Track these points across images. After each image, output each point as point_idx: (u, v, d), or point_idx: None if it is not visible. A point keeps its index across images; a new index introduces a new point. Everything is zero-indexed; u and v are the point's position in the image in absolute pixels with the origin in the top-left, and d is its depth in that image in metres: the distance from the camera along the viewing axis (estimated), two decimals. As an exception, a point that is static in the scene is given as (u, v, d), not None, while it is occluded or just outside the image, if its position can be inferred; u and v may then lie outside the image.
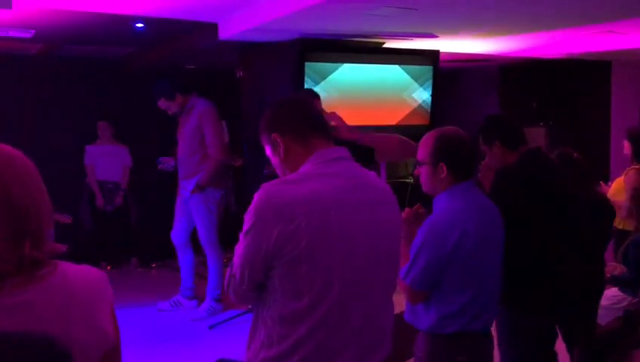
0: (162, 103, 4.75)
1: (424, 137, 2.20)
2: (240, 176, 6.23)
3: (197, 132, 4.68)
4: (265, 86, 5.00)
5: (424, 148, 2.17)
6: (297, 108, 1.78)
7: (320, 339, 1.57)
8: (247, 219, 1.61)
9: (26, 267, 1.11)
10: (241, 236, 1.65)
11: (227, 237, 6.17)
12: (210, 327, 4.58)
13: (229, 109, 6.67)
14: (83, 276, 1.19)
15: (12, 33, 4.85)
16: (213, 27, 4.62)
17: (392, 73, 5.03)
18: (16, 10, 3.83)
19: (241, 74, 5.51)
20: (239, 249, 1.64)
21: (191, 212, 4.83)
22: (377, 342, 1.69)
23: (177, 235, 4.96)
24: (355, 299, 1.61)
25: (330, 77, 4.73)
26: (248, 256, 1.60)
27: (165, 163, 5.05)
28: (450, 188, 2.12)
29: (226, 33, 4.55)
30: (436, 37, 4.87)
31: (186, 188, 4.79)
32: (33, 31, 4.82)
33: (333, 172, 1.66)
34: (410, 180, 6.29)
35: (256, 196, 1.62)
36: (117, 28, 4.85)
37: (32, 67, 6.59)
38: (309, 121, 1.74)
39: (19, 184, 1.14)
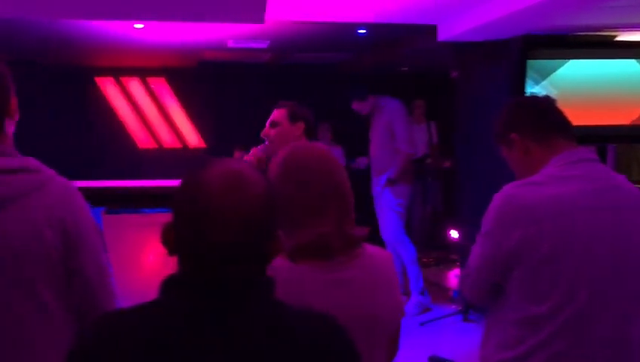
0: (355, 105, 5.08)
1: None
2: (450, 176, 6.22)
3: (387, 129, 4.93)
4: (481, 86, 4.92)
5: None
6: (538, 108, 1.74)
7: (560, 347, 1.52)
8: (487, 220, 1.63)
9: (348, 246, 1.27)
10: (479, 236, 1.67)
11: (426, 236, 6.25)
12: (422, 324, 4.66)
13: (440, 111, 6.70)
14: (381, 255, 1.34)
15: (250, 44, 5.45)
16: (432, 29, 4.68)
17: (627, 68, 4.60)
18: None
19: (456, 74, 5.49)
20: (476, 249, 1.67)
21: (382, 206, 5.01)
22: (624, 357, 1.59)
23: (382, 232, 5.15)
24: (600, 309, 1.53)
25: (555, 74, 4.49)
26: (486, 256, 1.61)
27: (359, 162, 5.34)
28: None
29: (445, 34, 4.58)
30: (681, 26, 4.35)
31: (378, 184, 5.01)
32: (268, 41, 5.35)
33: (578, 174, 1.60)
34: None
35: (497, 197, 1.62)
36: (341, 35, 5.16)
37: (262, 74, 7.31)
38: (551, 121, 1.69)
39: (340, 172, 1.33)
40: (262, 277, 1.01)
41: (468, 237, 4.21)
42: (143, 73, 7.13)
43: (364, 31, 4.97)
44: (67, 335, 1.46)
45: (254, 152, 2.70)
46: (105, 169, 6.83)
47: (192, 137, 7.38)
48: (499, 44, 4.61)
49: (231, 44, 5.40)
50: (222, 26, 4.68)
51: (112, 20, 3.92)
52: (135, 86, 7.19)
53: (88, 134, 6.89)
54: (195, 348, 0.94)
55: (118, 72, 7.08)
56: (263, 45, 5.49)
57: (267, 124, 2.75)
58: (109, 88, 7.14)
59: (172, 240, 1.01)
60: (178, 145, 7.36)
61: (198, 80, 7.21)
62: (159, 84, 7.23)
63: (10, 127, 1.54)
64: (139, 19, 3.74)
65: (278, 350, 0.96)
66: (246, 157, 2.74)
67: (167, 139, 7.33)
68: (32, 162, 1.50)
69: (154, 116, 7.25)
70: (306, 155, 1.35)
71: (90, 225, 1.52)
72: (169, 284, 1.02)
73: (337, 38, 5.35)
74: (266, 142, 2.70)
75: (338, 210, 1.28)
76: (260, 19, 3.23)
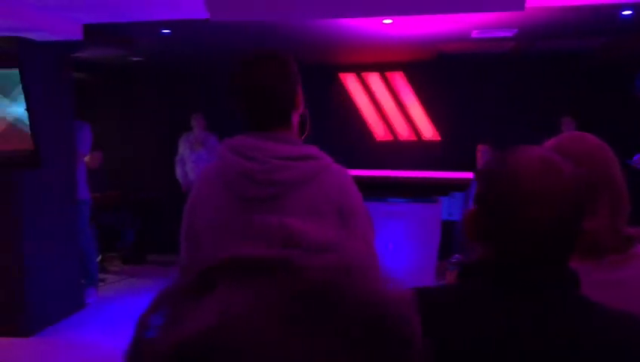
0: None
1: None
2: None
3: None
4: None
5: None
6: None
7: None
8: None
9: (622, 244, 1.19)
10: None
11: None
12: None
13: None
14: None
15: (496, 33, 5.28)
16: None
17: None
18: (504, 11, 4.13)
19: None
20: None
21: None
22: None
23: None
24: None
25: None
26: None
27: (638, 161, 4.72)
28: None
29: None
30: None
31: None
32: (516, 30, 5.13)
33: None
34: None
35: None
36: (600, 19, 4.72)
37: (503, 64, 7.04)
38: None
39: (614, 166, 1.24)
40: (567, 270, 0.98)
41: None
42: (382, 68, 7.38)
43: (629, 12, 4.47)
44: None
45: None
46: (344, 159, 7.21)
47: (427, 130, 7.43)
48: None
49: (475, 34, 5.29)
50: (467, 16, 4.61)
51: (366, 17, 4.11)
52: (375, 81, 7.47)
53: (330, 127, 7.35)
54: (503, 333, 0.94)
55: (359, 68, 7.42)
56: (509, 34, 5.28)
57: None
58: (351, 83, 7.53)
59: (477, 226, 1.02)
60: (413, 138, 7.47)
61: (436, 73, 7.22)
62: (397, 78, 7.41)
63: (296, 118, 1.70)
64: (393, 14, 3.86)
65: (588, 348, 0.91)
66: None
67: (403, 131, 7.48)
68: (314, 150, 1.64)
69: (391, 109, 7.46)
70: (577, 145, 1.27)
71: (363, 211, 1.61)
72: (470, 270, 1.03)
73: (595, 22, 4.91)
74: None
75: (611, 205, 1.18)
76: (520, 6, 3.11)
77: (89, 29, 4.88)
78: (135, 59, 6.78)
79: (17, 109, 4.68)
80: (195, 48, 6.23)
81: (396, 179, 4.57)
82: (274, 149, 1.57)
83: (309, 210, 1.54)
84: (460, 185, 4.31)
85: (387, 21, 4.64)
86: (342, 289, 0.36)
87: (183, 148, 7.00)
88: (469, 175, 4.53)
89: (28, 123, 4.63)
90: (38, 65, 4.89)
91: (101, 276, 6.39)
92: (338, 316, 0.35)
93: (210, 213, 1.63)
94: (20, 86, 4.59)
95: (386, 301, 0.38)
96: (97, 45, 5.37)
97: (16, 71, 4.56)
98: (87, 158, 5.99)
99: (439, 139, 7.39)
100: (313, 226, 0.43)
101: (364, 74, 7.47)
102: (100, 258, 6.66)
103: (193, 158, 6.89)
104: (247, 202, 1.57)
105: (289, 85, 1.65)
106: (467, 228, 1.04)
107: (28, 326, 4.85)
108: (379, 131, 7.53)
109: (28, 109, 4.63)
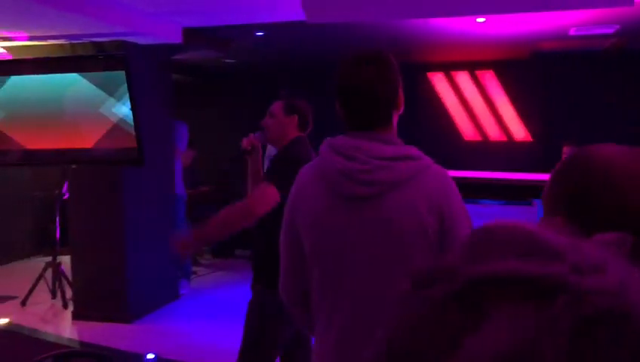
0: None
1: None
2: None
3: None
4: None
5: None
6: None
7: None
8: None
9: None
10: None
11: None
12: None
13: None
14: None
15: (596, 30, 5.04)
16: None
17: None
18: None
19: None
20: None
21: None
22: None
23: None
24: None
25: None
26: None
27: None
28: None
29: None
30: None
31: None
32: (618, 26, 4.88)
33: None
34: None
35: None
36: None
37: (601, 62, 6.72)
38: None
39: None
40: None
41: None
42: (472, 67, 7.23)
43: None
44: None
45: (251, 139, 2.84)
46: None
47: (519, 130, 7.22)
48: None
49: (573, 31, 5.09)
50: (566, 14, 4.43)
51: (462, 16, 4.06)
52: (464, 80, 7.33)
53: (417, 126, 7.30)
54: None
55: (448, 67, 7.32)
56: (611, 30, 5.03)
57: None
58: (439, 83, 7.43)
59: (572, 228, 1.00)
60: (503, 139, 7.28)
61: (529, 71, 7.00)
62: (488, 77, 7.24)
63: (396, 119, 1.71)
64: (492, 12, 3.78)
65: None
66: (243, 144, 2.87)
67: (492, 131, 7.31)
68: (414, 150, 1.65)
69: (481, 109, 7.30)
70: None
71: (462, 212, 1.60)
72: None
73: None
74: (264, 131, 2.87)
75: None
76: (629, 2, 2.96)
77: (188, 32, 5.11)
78: (228, 61, 7.01)
79: (122, 109, 4.97)
80: (284, 49, 6.37)
81: (488, 180, 4.47)
82: (374, 149, 1.59)
83: (409, 211, 1.55)
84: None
85: (480, 19, 4.55)
86: (628, 318, 0.32)
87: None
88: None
89: (132, 122, 4.90)
90: (141, 67, 5.17)
91: (193, 268, 6.67)
92: (623, 348, 0.32)
93: (310, 210, 1.67)
94: (124, 86, 4.86)
95: None
96: (195, 48, 5.61)
97: (121, 72, 4.84)
98: (182, 156, 6.27)
99: (531, 140, 7.16)
100: (563, 237, 0.38)
101: (453, 73, 7.35)
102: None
103: (281, 157, 7.03)
104: (347, 201, 1.60)
105: (389, 86, 1.67)
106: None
107: (129, 314, 5.15)
108: (467, 131, 7.39)
109: (132, 109, 4.90)
